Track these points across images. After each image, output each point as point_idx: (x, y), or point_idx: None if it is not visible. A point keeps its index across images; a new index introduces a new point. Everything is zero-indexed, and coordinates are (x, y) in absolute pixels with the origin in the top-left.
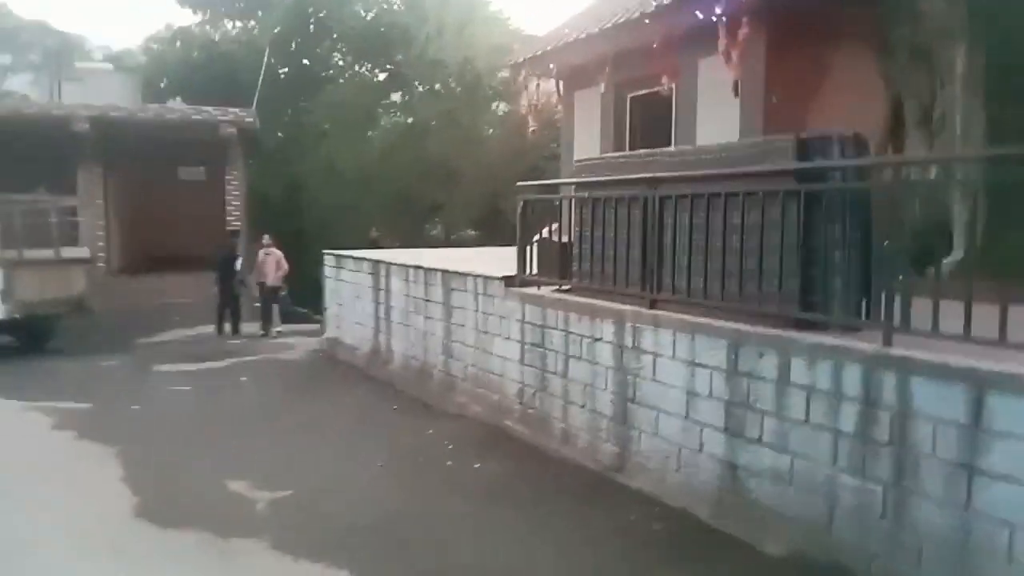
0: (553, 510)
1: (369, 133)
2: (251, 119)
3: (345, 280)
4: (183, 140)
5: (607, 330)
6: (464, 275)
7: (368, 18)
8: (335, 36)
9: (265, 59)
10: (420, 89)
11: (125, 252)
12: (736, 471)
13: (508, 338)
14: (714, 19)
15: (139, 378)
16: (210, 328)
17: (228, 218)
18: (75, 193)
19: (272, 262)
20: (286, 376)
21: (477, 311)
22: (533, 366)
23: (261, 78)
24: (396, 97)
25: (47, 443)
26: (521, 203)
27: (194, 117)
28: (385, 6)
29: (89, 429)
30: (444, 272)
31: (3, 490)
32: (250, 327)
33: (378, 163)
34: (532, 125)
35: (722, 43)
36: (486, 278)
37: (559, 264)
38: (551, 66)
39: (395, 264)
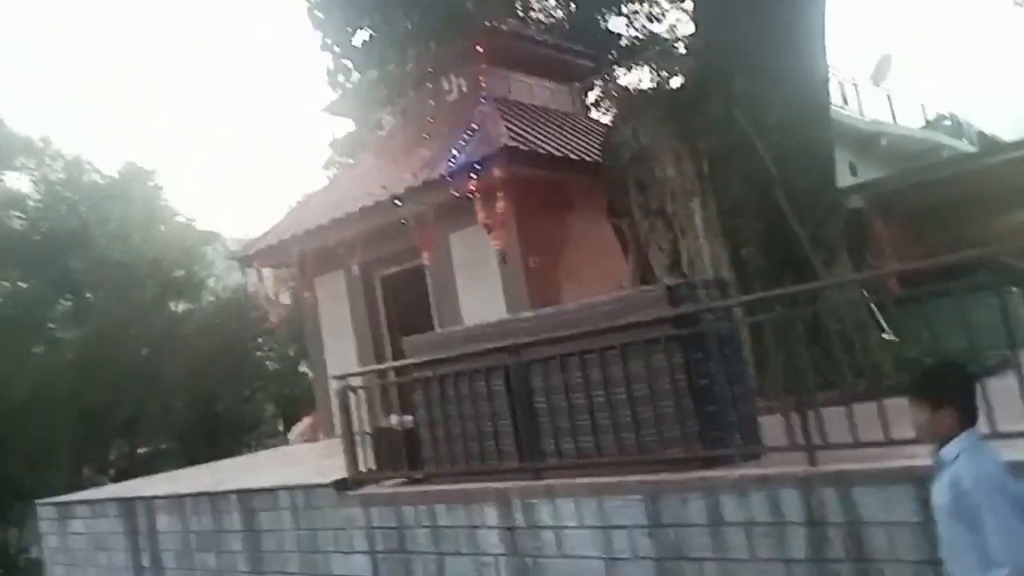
0: None
1: (35, 349)
2: None
3: (77, 532)
4: None
5: (489, 513)
6: (272, 490)
7: (17, 227)
8: None
9: None
10: (90, 296)
11: None
12: None
13: (351, 551)
14: (468, 196)
15: None
16: None
17: None
18: None
19: None
20: None
21: (299, 529)
22: None
23: None
24: (65, 305)
25: None
26: (343, 393)
27: None
28: (39, 209)
29: None
30: (241, 492)
31: None
32: None
33: (59, 381)
34: (270, 318)
35: (481, 216)
36: (307, 487)
37: (406, 453)
38: (293, 253)
39: (160, 497)
